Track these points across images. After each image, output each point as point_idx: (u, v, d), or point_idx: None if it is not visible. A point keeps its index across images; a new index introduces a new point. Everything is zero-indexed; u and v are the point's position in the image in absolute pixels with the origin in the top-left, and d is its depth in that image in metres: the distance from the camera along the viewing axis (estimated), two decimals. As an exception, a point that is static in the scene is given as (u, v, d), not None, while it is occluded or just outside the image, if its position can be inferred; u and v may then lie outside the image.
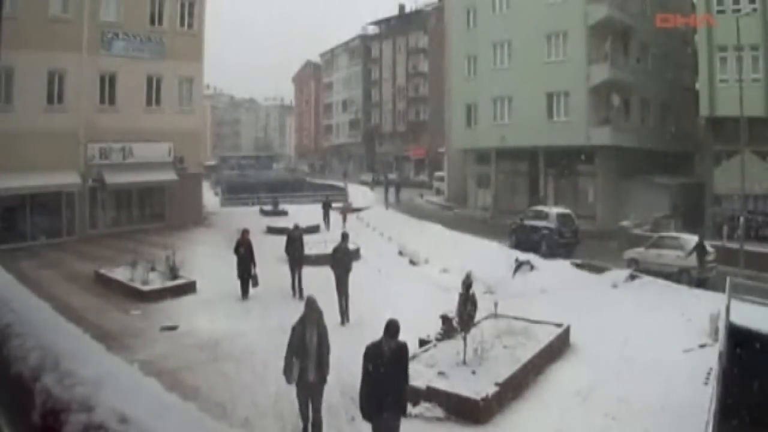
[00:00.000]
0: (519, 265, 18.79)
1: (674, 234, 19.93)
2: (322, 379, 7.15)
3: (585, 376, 9.50)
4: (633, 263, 18.90)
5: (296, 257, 14.74)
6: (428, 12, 57.21)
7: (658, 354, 10.29)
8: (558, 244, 21.35)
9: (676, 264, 17.82)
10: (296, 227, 15.74)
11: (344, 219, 26.83)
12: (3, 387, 0.91)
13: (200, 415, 0.75)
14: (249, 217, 29.91)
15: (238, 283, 14.29)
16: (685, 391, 8.65)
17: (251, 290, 14.27)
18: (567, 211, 22.99)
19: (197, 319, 12.57)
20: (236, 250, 14.44)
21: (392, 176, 48.37)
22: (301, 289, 13.92)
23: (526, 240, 22.25)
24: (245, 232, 14.87)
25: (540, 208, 24.01)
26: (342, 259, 13.09)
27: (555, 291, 16.28)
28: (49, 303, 1.23)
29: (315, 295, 7.74)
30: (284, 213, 31.45)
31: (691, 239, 18.73)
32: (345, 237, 14.06)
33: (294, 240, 15.04)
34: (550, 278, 17.41)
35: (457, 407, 8.00)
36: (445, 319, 10.77)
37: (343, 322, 12.21)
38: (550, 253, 21.29)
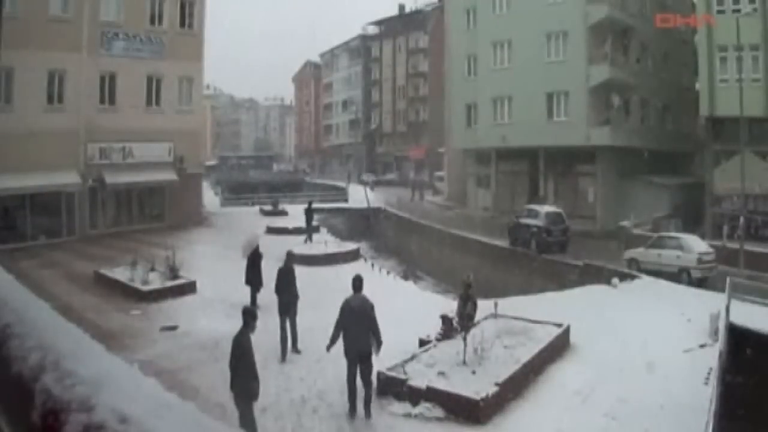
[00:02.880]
0: None
1: (674, 234, 19.93)
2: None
3: (585, 376, 9.50)
4: (633, 263, 18.91)
5: (288, 300, 10.78)
6: (428, 12, 57.26)
7: (658, 354, 10.29)
8: (547, 241, 21.63)
9: (676, 264, 17.83)
10: (288, 259, 11.51)
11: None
12: (3, 387, 0.91)
13: (200, 415, 0.75)
14: (249, 217, 29.96)
15: (237, 284, 14.12)
16: (685, 391, 8.64)
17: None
18: (557, 209, 23.22)
19: (197, 319, 12.56)
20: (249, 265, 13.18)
21: (390, 176, 49.33)
22: (295, 341, 10.69)
23: (521, 238, 22.67)
24: (257, 248, 13.54)
25: (532, 206, 24.20)
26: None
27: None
28: (49, 303, 1.23)
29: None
30: (284, 213, 31.46)
31: (692, 239, 18.76)
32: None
33: (286, 275, 11.05)
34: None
35: (457, 407, 8.00)
36: (445, 319, 10.77)
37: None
38: (540, 251, 21.68)
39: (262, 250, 13.85)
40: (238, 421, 6.62)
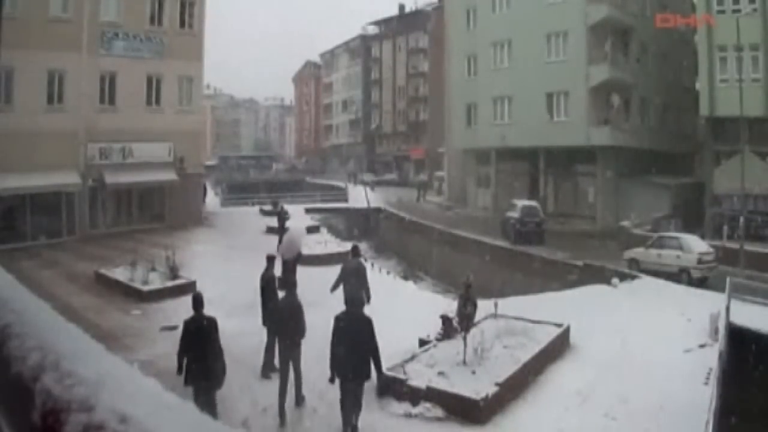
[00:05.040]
0: None
1: (674, 234, 19.93)
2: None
3: (585, 376, 9.50)
4: (633, 263, 18.91)
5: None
6: (428, 12, 57.23)
7: (658, 354, 10.29)
8: (520, 232, 23.44)
9: (676, 264, 17.83)
10: (269, 264, 10.20)
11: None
12: (3, 387, 0.91)
13: (200, 415, 0.75)
14: (249, 217, 29.96)
15: (237, 284, 14.05)
16: (685, 391, 8.64)
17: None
18: (532, 203, 25.19)
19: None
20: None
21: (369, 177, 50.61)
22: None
23: (505, 230, 24.66)
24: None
25: (514, 201, 25.72)
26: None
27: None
28: (49, 303, 1.23)
29: None
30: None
31: (692, 239, 18.77)
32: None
33: (270, 282, 9.78)
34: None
35: (457, 407, 8.00)
36: (445, 319, 10.77)
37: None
38: (515, 240, 23.26)
39: (260, 247, 13.75)
40: (288, 360, 8.20)
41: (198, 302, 7.49)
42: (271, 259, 10.50)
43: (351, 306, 7.89)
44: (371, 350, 7.36)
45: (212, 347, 7.17)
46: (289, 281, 8.60)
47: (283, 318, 8.26)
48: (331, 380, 7.53)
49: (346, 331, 7.32)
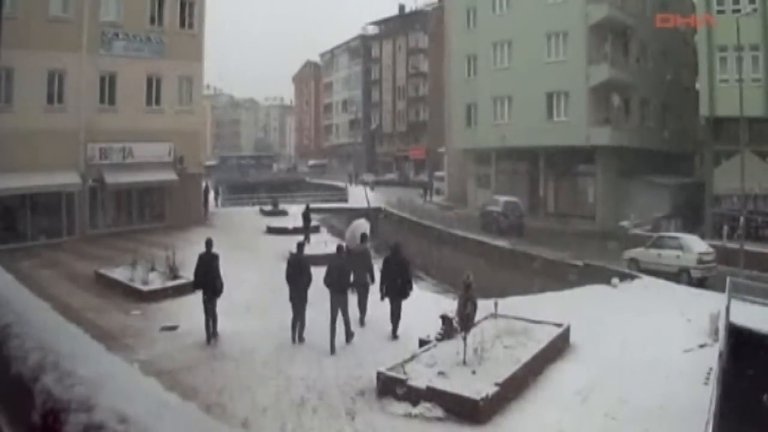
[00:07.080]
0: None
1: (674, 234, 19.92)
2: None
3: (585, 376, 9.49)
4: (633, 263, 18.91)
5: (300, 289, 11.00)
6: (428, 12, 57.26)
7: (658, 354, 10.28)
8: (502, 225, 25.57)
9: (676, 264, 17.82)
10: (298, 249, 11.92)
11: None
12: (3, 387, 0.91)
13: (200, 415, 0.75)
14: (249, 216, 29.96)
15: (236, 283, 14.01)
16: (685, 391, 8.64)
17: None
18: (514, 199, 27.23)
19: (197, 319, 12.55)
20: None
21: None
22: (302, 329, 11.10)
23: (487, 222, 26.85)
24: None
25: (496, 196, 27.85)
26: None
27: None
28: (49, 303, 1.23)
29: None
30: (284, 213, 31.41)
31: (692, 239, 18.77)
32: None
33: (298, 264, 11.40)
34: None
35: (457, 407, 7.99)
36: (445, 319, 10.76)
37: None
38: (499, 231, 25.34)
39: (260, 247, 13.81)
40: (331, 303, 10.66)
41: (209, 243, 11.37)
42: (300, 245, 12.22)
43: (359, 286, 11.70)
44: (407, 279, 11.41)
45: (216, 271, 11.00)
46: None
47: (337, 274, 10.88)
48: (381, 299, 11.46)
49: (391, 266, 11.50)
